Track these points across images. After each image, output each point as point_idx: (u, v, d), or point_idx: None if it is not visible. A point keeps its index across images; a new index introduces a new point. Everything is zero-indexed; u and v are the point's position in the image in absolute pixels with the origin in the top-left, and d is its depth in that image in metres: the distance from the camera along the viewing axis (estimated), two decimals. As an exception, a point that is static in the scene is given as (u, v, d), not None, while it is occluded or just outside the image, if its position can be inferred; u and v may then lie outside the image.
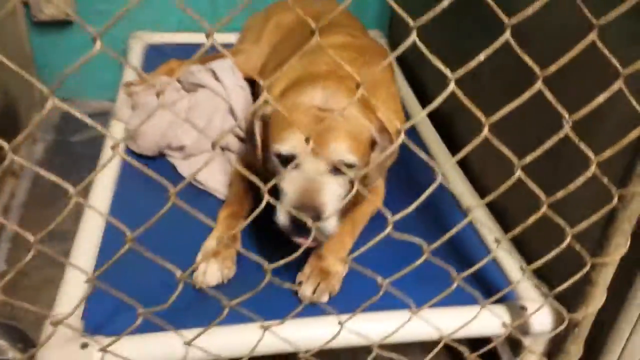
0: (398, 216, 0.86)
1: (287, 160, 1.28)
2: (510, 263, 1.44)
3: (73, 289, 1.25)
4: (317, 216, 1.21)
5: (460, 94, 0.79)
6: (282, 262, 0.87)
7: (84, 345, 1.12)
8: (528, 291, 1.35)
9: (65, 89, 2.51)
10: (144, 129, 1.71)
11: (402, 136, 0.80)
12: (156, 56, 2.29)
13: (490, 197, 0.91)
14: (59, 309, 1.21)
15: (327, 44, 1.65)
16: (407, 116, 1.97)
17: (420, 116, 0.82)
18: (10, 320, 1.38)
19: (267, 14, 2.19)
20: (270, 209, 1.27)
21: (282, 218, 1.25)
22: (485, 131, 0.82)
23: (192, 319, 1.07)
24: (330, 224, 1.26)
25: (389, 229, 0.87)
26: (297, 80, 1.48)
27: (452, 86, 0.78)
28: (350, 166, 1.29)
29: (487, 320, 1.21)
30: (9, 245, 1.79)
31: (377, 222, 1.56)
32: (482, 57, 0.77)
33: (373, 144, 1.35)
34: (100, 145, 2.21)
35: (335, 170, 1.26)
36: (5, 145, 0.65)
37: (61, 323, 0.83)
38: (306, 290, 1.32)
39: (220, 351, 0.95)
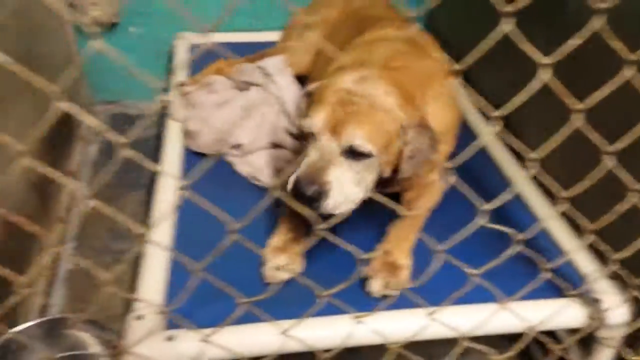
0: (489, 205, 0.87)
1: (308, 137, 1.31)
2: (582, 255, 1.42)
3: (153, 284, 1.28)
4: (318, 192, 1.23)
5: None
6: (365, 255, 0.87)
7: (169, 338, 1.15)
8: (601, 283, 1.34)
9: (112, 92, 2.55)
10: (203, 127, 1.74)
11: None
12: (201, 56, 2.30)
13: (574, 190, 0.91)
14: (141, 302, 1.24)
15: (378, 37, 1.68)
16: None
17: (516, 101, 0.81)
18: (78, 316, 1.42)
19: (311, 10, 2.19)
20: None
21: (289, 186, 1.27)
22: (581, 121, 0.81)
23: (278, 311, 1.09)
24: (331, 204, 1.25)
25: (480, 219, 0.87)
26: (347, 64, 1.48)
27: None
28: (364, 154, 1.28)
29: (569, 312, 1.21)
30: (74, 244, 1.83)
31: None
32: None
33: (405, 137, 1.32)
34: (151, 145, 2.26)
35: (351, 154, 1.27)
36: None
37: (166, 312, 0.86)
38: (376, 285, 1.34)
39: (315, 341, 0.97)
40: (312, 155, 1.29)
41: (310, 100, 1.39)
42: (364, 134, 1.26)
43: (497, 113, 0.80)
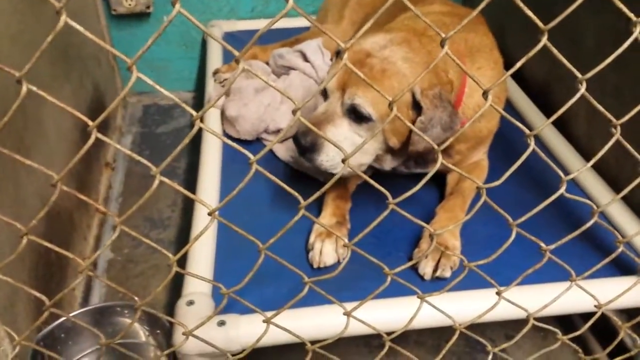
0: (572, 175, 0.82)
1: (325, 94, 1.33)
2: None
3: (202, 269, 1.25)
4: (312, 144, 1.28)
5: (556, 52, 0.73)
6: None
7: (221, 323, 1.12)
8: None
9: (144, 82, 2.53)
10: (243, 113, 1.70)
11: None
12: (233, 43, 2.27)
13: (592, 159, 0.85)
14: (190, 288, 1.21)
15: (427, 11, 1.62)
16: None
17: (607, 61, 0.74)
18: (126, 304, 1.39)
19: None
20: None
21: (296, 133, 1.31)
22: (583, 89, 0.76)
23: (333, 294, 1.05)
24: (325, 159, 1.28)
25: (562, 189, 0.82)
26: (383, 30, 1.43)
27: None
28: (365, 117, 1.26)
29: (635, 291, 1.14)
30: (112, 233, 1.81)
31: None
32: None
33: (419, 108, 1.26)
34: (185, 135, 2.23)
35: (353, 115, 1.27)
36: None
37: (231, 293, 0.82)
38: (427, 267, 1.30)
39: (378, 323, 0.93)
40: (320, 109, 1.31)
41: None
42: (366, 97, 1.23)
43: (584, 76, 0.74)
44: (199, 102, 2.46)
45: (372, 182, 0.83)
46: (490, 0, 0.74)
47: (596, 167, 1.58)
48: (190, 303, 1.16)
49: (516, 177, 1.48)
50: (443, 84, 1.29)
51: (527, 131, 0.79)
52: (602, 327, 1.42)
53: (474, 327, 1.02)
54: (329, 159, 1.29)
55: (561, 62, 0.73)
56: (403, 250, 1.39)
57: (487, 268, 0.95)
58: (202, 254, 1.28)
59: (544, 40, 0.75)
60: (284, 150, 1.71)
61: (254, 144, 1.76)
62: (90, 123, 0.72)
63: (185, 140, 0.72)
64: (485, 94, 0.77)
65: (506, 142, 1.61)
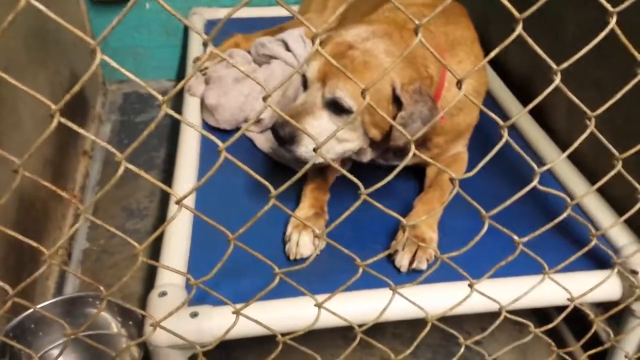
0: (545, 167, 0.81)
1: (306, 84, 1.32)
2: (619, 227, 1.37)
3: (176, 260, 1.23)
4: (290, 135, 1.26)
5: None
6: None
7: (194, 315, 1.11)
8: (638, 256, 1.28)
9: (124, 69, 2.50)
10: (222, 102, 1.68)
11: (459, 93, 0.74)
12: (217, 31, 2.26)
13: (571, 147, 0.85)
14: (163, 279, 1.19)
15: (409, 3, 1.61)
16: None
17: (582, 52, 0.73)
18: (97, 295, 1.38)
19: (330, -19, 2.13)
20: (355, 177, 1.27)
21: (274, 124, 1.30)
22: (557, 80, 0.75)
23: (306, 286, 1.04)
24: (303, 150, 1.27)
25: (535, 182, 0.82)
26: (363, 22, 1.43)
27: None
28: (345, 110, 1.25)
29: (607, 285, 1.14)
30: (88, 223, 1.79)
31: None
32: None
33: (400, 103, 1.25)
34: (165, 124, 2.21)
35: (333, 107, 1.26)
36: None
37: (199, 284, 0.80)
38: (404, 259, 1.29)
39: (350, 315, 0.92)
40: (299, 100, 1.30)
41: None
42: (347, 89, 1.22)
43: (559, 67, 0.73)
44: (179, 90, 2.43)
45: (345, 172, 0.82)
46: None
47: (575, 160, 1.58)
48: (163, 294, 1.14)
49: (495, 170, 1.49)
50: (423, 79, 1.28)
51: (500, 122, 0.78)
52: (578, 319, 1.43)
53: (450, 319, 1.02)
54: (307, 150, 1.27)
55: (537, 56, 0.72)
56: (381, 242, 1.38)
57: (464, 260, 0.94)
58: (176, 244, 1.26)
59: (519, 29, 0.74)
60: (264, 141, 1.69)
61: (233, 133, 1.74)
62: (53, 107, 0.69)
63: (150, 126, 0.70)
64: (459, 84, 0.76)
65: (487, 135, 1.60)
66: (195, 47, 2.13)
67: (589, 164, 1.56)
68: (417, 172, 1.58)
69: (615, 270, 1.06)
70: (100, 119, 2.20)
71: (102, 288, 0.84)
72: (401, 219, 0.86)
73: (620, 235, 1.36)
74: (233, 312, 0.86)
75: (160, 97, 0.71)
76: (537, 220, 1.41)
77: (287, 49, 1.84)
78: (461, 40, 1.49)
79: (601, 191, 1.47)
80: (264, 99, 0.73)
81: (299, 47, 1.83)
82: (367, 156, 1.41)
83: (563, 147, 1.66)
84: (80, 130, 0.70)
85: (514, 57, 1.96)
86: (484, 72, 1.56)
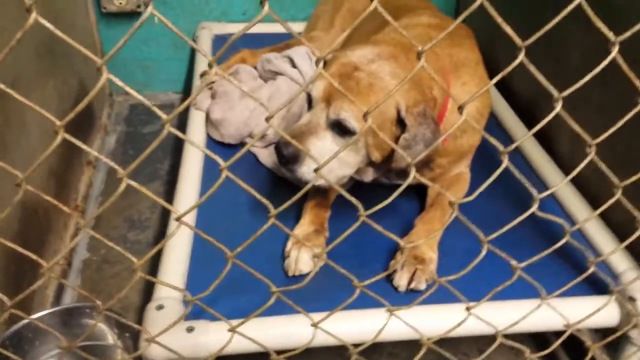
0: (544, 194, 0.81)
1: (310, 103, 1.32)
2: (619, 254, 1.36)
3: (174, 275, 1.24)
4: (293, 155, 1.26)
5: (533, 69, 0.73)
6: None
7: (190, 329, 1.11)
8: (637, 283, 1.28)
9: (133, 82, 2.52)
10: (228, 117, 1.69)
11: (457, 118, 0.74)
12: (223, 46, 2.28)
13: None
14: (161, 292, 1.19)
15: (414, 23, 1.62)
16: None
17: (584, 80, 0.74)
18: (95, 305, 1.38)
19: (337, 1, 2.15)
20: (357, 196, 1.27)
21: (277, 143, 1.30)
22: (559, 108, 0.76)
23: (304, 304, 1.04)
24: (306, 171, 1.26)
25: (534, 207, 0.82)
26: (368, 42, 1.44)
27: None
28: (349, 131, 1.24)
29: (605, 311, 1.14)
30: (89, 234, 1.79)
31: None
32: None
33: (404, 125, 1.26)
34: (170, 136, 2.22)
35: (337, 128, 1.25)
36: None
37: (196, 300, 0.80)
38: (402, 279, 1.29)
39: (346, 335, 0.92)
40: (303, 119, 1.29)
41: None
42: (352, 111, 1.22)
43: (561, 94, 0.73)
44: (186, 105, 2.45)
45: (345, 194, 0.83)
46: (468, 13, 0.73)
47: (578, 184, 1.58)
48: (160, 307, 1.15)
49: (498, 191, 1.49)
50: (427, 101, 1.29)
51: (501, 148, 0.78)
52: (576, 344, 1.42)
53: (448, 341, 1.02)
54: (309, 170, 1.26)
55: (547, 79, 0.73)
56: (381, 261, 1.38)
57: (462, 282, 0.95)
58: (175, 259, 1.27)
59: (521, 56, 0.75)
60: (267, 156, 1.70)
61: (238, 148, 1.75)
62: (57, 123, 0.71)
63: (153, 144, 0.71)
64: (460, 109, 0.76)
65: (491, 156, 1.60)
66: (202, 61, 2.14)
67: (591, 188, 1.55)
68: (419, 191, 1.59)
69: (613, 297, 1.06)
70: (106, 129, 2.22)
71: (99, 302, 0.84)
72: (399, 240, 0.87)
73: (620, 261, 1.35)
74: (229, 330, 0.86)
75: (164, 116, 0.72)
76: (538, 243, 1.42)
77: (293, 65, 1.86)
78: (465, 62, 1.50)
79: (603, 216, 1.47)
80: (267, 119, 0.74)
81: (305, 64, 1.85)
82: (369, 176, 1.41)
83: (567, 171, 1.66)
84: (83, 147, 0.71)
85: (520, 79, 1.96)
86: (487, 94, 1.57)
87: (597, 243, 1.41)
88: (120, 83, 0.69)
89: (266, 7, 0.65)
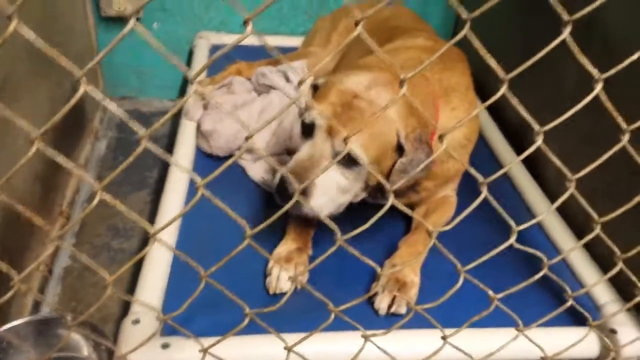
0: (523, 226, 0.81)
1: (307, 131, 1.28)
2: (600, 286, 1.36)
3: (152, 289, 1.23)
4: (302, 192, 1.18)
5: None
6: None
7: (165, 346, 1.10)
8: (618, 315, 1.27)
9: (128, 88, 2.52)
10: (218, 128, 1.69)
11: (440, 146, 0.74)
12: (221, 57, 2.28)
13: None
14: (137, 306, 1.18)
15: (409, 45, 1.63)
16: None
17: (566, 115, 0.74)
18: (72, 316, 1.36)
19: (335, 18, 2.16)
20: (343, 215, 1.27)
21: (275, 181, 1.26)
22: (539, 142, 0.76)
23: (282, 324, 1.03)
24: (314, 206, 1.22)
25: (512, 239, 0.81)
26: (359, 65, 1.44)
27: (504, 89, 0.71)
28: (356, 163, 1.24)
29: (585, 342, 1.13)
30: (73, 240, 1.78)
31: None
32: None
33: (402, 149, 1.27)
34: (162, 143, 2.22)
35: (342, 160, 1.21)
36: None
37: (168, 319, 0.79)
38: (383, 302, 1.28)
39: (321, 358, 0.90)
40: (304, 151, 1.26)
41: (317, 94, 1.34)
42: (358, 141, 1.21)
43: (542, 128, 0.73)
44: (178, 112, 2.44)
45: (325, 219, 0.82)
46: (455, 41, 0.73)
47: (565, 215, 1.58)
48: (136, 322, 1.13)
49: (485, 215, 1.48)
50: (422, 126, 1.30)
51: (480, 179, 0.78)
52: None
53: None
54: (317, 204, 1.23)
55: (538, 108, 0.73)
56: (363, 282, 1.38)
57: (442, 308, 0.93)
58: (154, 274, 1.25)
59: (504, 89, 0.75)
60: (256, 170, 1.70)
61: (226, 160, 1.74)
62: (33, 133, 0.70)
63: (129, 159, 0.70)
64: (441, 138, 0.76)
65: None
66: (197, 70, 2.14)
67: (578, 219, 1.55)
68: (402, 213, 1.58)
69: (591, 331, 1.05)
70: (97, 134, 2.21)
71: (69, 317, 0.83)
72: (377, 267, 0.86)
73: (602, 292, 1.35)
74: (200, 351, 0.85)
75: (142, 130, 0.71)
76: (521, 269, 1.41)
77: (287, 80, 1.86)
78: (456, 87, 1.50)
79: (588, 248, 1.47)
80: (247, 138, 0.74)
81: (298, 79, 1.85)
82: (358, 197, 1.41)
83: (554, 198, 1.66)
84: (59, 159, 0.70)
85: (511, 105, 1.97)
86: (475, 120, 1.57)
87: (581, 274, 1.41)
88: (99, 96, 0.68)
89: (249, 28, 0.64)
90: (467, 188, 1.60)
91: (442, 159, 1.46)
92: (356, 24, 0.67)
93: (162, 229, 0.75)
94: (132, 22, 0.66)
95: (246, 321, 0.82)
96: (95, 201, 0.72)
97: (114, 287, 0.83)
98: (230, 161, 0.76)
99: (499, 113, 2.03)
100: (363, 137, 1.21)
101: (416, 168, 1.25)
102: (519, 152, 1.85)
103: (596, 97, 0.76)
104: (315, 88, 1.38)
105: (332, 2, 2.45)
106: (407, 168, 1.27)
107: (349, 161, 1.23)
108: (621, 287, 1.35)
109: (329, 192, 1.25)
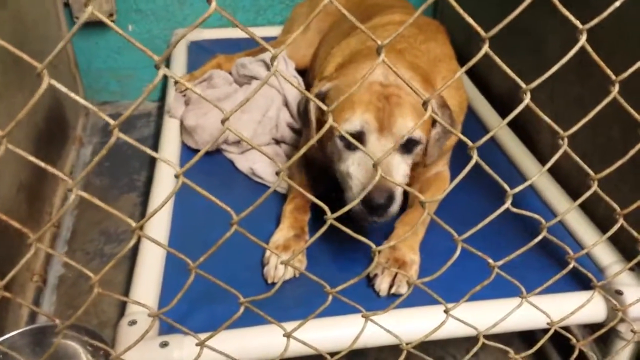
0: (517, 189, 0.78)
1: (350, 143, 1.20)
2: (602, 246, 1.34)
3: (146, 287, 1.20)
4: (390, 197, 1.18)
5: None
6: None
7: (164, 344, 1.07)
8: (622, 276, 1.25)
9: (108, 91, 2.48)
10: (201, 123, 1.66)
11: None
12: (199, 52, 2.25)
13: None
14: (133, 307, 1.15)
15: (386, 21, 1.60)
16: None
17: (550, 72, 0.72)
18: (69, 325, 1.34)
19: (313, 2, 2.12)
20: (335, 197, 1.24)
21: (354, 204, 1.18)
22: (527, 100, 0.73)
23: (279, 313, 1.00)
24: (396, 207, 1.21)
25: (508, 204, 0.79)
26: (352, 55, 1.42)
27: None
28: (416, 142, 1.24)
29: (590, 306, 1.11)
30: (65, 248, 1.75)
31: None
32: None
33: (433, 120, 1.27)
34: (147, 144, 2.18)
35: (404, 147, 1.23)
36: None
37: (160, 314, 0.77)
38: (383, 282, 1.26)
39: (321, 344, 0.88)
40: (363, 161, 1.21)
41: (337, 103, 1.30)
42: (414, 123, 1.19)
43: (528, 86, 0.71)
44: (162, 112, 2.41)
45: (313, 199, 0.80)
46: (431, 2, 0.70)
47: (559, 178, 1.56)
48: (133, 323, 1.11)
49: (480, 184, 1.46)
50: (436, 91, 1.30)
51: (469, 143, 0.76)
52: (567, 341, 1.40)
53: (434, 342, 0.98)
54: (398, 205, 1.22)
55: (524, 73, 0.70)
56: (363, 264, 1.35)
57: (443, 282, 0.91)
58: (148, 270, 1.23)
59: (485, 47, 0.72)
60: (244, 162, 1.67)
61: (214, 154, 1.71)
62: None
63: (102, 152, 0.67)
64: (424, 104, 0.74)
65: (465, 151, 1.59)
66: (176, 69, 2.11)
67: (573, 182, 1.53)
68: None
69: (595, 293, 1.03)
70: (82, 141, 2.17)
71: (57, 321, 0.80)
72: (372, 245, 0.83)
73: (605, 254, 1.33)
74: (197, 344, 0.82)
75: (111, 121, 0.68)
76: (521, 235, 1.39)
77: (268, 69, 1.83)
78: (441, 57, 1.50)
79: (587, 211, 1.45)
80: (222, 121, 0.71)
81: (280, 67, 1.82)
82: None
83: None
84: (30, 158, 0.67)
85: (497, 75, 1.95)
86: (463, 90, 1.56)
87: (582, 237, 1.39)
88: (63, 89, 0.65)
89: (213, 4, 0.61)
90: (461, 162, 1.58)
91: None
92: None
93: (144, 222, 0.73)
94: (89, 10, 0.62)
95: (241, 310, 0.79)
96: (71, 199, 0.69)
97: (102, 287, 0.81)
98: (207, 146, 0.73)
99: (486, 83, 2.01)
100: (414, 117, 1.20)
101: (444, 134, 1.30)
102: (509, 123, 1.82)
103: (583, 60, 0.73)
104: (321, 97, 1.33)
105: (310, -13, 2.40)
106: (441, 136, 1.30)
107: (412, 145, 1.24)
108: (624, 248, 1.33)
109: (404, 183, 1.23)
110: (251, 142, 0.72)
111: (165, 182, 1.51)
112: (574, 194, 1.52)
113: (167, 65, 2.39)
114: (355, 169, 1.22)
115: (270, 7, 2.45)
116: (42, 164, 0.69)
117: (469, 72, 2.08)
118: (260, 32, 2.39)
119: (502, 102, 1.93)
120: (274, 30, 2.34)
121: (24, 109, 0.65)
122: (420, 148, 1.26)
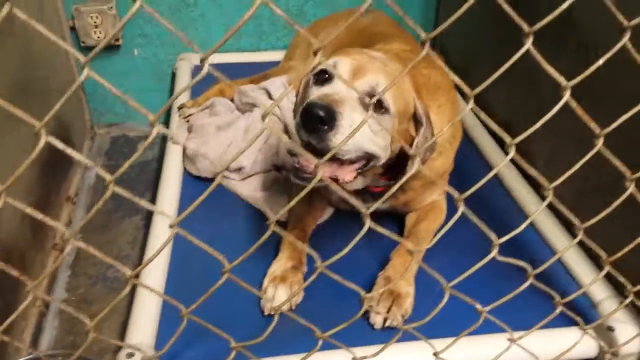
0: (504, 239, 0.80)
1: (322, 79, 1.21)
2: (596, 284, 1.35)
3: (144, 323, 1.22)
4: (331, 115, 1.08)
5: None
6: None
7: (160, 379, 1.09)
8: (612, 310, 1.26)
9: (114, 114, 2.52)
10: (202, 151, 1.69)
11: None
12: (203, 78, 2.28)
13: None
14: (131, 338, 1.18)
15: (386, 50, 1.63)
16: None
17: (534, 127, 0.74)
18: (73, 350, 1.36)
19: (314, 29, 2.15)
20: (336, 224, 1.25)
21: (296, 118, 1.17)
22: (512, 153, 0.76)
23: (273, 349, 1.02)
24: (340, 138, 1.09)
25: (494, 252, 0.81)
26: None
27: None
28: (382, 107, 1.18)
29: (582, 343, 1.13)
30: (68, 272, 1.77)
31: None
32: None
33: (417, 123, 1.28)
34: (151, 167, 2.22)
35: (366, 105, 1.14)
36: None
37: (156, 358, 0.79)
38: (377, 316, 1.27)
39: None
40: (323, 91, 1.16)
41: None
42: (385, 85, 1.16)
43: (513, 140, 0.73)
44: (164, 136, 2.44)
45: (306, 248, 0.82)
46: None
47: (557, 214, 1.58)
48: (130, 356, 1.13)
49: (478, 216, 1.48)
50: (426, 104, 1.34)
51: (456, 195, 0.78)
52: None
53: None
54: (343, 137, 1.10)
55: (522, 104, 0.73)
56: (359, 295, 1.36)
57: (435, 319, 0.92)
58: (144, 308, 1.25)
59: (471, 103, 0.74)
60: (245, 189, 1.70)
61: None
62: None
63: (99, 204, 0.70)
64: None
65: (469, 183, 1.60)
66: (181, 94, 2.14)
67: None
68: (397, 220, 1.58)
69: (585, 333, 1.04)
70: (86, 164, 2.21)
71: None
72: (360, 290, 0.85)
73: (598, 289, 1.34)
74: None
75: (107, 176, 0.71)
76: (517, 272, 1.40)
77: (270, 97, 1.86)
78: (441, 85, 1.51)
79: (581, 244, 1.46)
80: (263, 117, 0.72)
81: (280, 94, 1.85)
82: (358, 184, 1.37)
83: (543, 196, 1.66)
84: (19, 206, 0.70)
85: (495, 103, 1.96)
86: (459, 122, 1.58)
87: (575, 272, 1.40)
88: (60, 146, 0.67)
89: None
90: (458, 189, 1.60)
91: (433, 156, 1.45)
92: (314, 53, 0.66)
93: (139, 270, 0.75)
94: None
95: (232, 354, 0.81)
96: (68, 249, 0.72)
97: (98, 331, 0.84)
98: (204, 195, 0.75)
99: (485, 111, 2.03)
100: (385, 79, 1.18)
101: (424, 145, 1.26)
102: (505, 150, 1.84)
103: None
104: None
105: (310, 14, 2.45)
106: (425, 142, 1.27)
107: (376, 106, 1.14)
108: (617, 284, 1.34)
109: (360, 138, 1.16)
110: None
111: (160, 230, 1.53)
112: (568, 224, 1.53)
113: (171, 90, 2.43)
114: (313, 98, 1.15)
115: (273, 32, 2.49)
116: (40, 215, 0.71)
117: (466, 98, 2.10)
118: (263, 57, 2.43)
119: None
120: (277, 55, 2.37)
121: (23, 164, 0.67)
122: (390, 120, 1.20)
